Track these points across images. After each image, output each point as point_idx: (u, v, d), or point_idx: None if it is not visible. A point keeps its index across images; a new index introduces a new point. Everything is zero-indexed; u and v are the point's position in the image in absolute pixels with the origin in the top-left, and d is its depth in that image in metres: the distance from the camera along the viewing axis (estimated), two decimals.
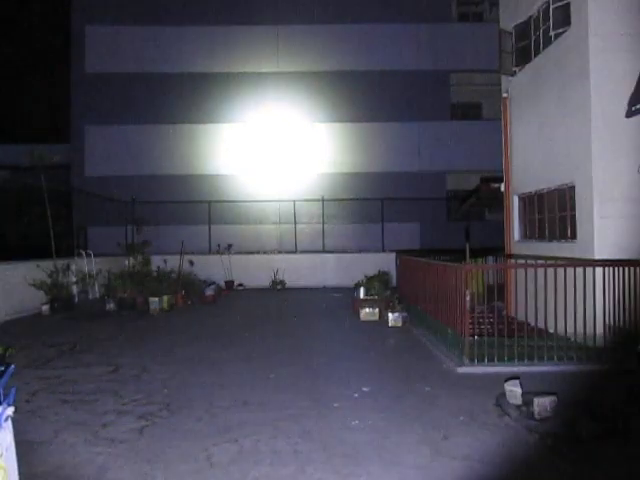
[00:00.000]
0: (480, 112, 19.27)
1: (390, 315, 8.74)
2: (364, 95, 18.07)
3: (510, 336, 5.91)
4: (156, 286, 11.29)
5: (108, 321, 9.62)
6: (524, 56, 9.75)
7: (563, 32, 8.31)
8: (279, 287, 15.03)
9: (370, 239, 17.13)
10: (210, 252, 15.91)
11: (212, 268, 14.47)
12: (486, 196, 12.17)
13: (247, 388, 5.20)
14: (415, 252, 11.58)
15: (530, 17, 9.43)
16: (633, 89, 6.97)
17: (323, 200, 17.30)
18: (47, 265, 10.37)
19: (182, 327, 9.19)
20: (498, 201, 11.07)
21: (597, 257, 7.08)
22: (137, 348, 7.16)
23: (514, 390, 4.34)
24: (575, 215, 7.88)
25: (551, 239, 8.75)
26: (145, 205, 16.00)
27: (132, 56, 18.08)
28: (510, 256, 10.00)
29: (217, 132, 18.21)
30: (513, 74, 10.12)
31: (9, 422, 2.13)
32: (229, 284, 14.87)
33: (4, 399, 2.14)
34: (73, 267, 11.49)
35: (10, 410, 2.10)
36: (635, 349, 4.15)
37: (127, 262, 13.39)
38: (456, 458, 3.54)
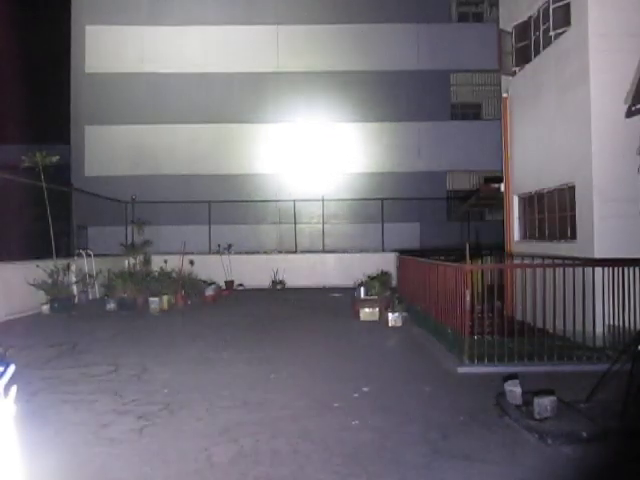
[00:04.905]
0: (480, 112, 19.26)
1: (390, 315, 8.74)
2: (363, 95, 18.06)
3: (510, 336, 5.91)
4: (156, 286, 11.29)
5: (108, 321, 9.61)
6: (524, 56, 9.75)
7: (563, 32, 8.31)
8: (279, 287, 15.03)
9: (370, 239, 17.14)
10: (210, 252, 15.91)
11: (212, 268, 14.45)
12: (486, 196, 12.19)
13: (247, 388, 5.20)
14: (416, 252, 11.58)
15: (530, 17, 9.43)
16: (634, 89, 6.97)
17: (323, 200, 17.30)
18: (47, 265, 10.36)
19: (182, 327, 9.19)
20: (498, 201, 11.08)
21: (597, 257, 7.09)
22: (137, 348, 7.15)
23: (514, 390, 4.33)
24: (575, 215, 7.88)
25: (551, 239, 8.75)
26: (145, 205, 16.00)
27: (132, 56, 18.06)
28: (510, 256, 10.00)
29: (217, 132, 18.20)
30: (513, 74, 10.12)
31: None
32: (229, 284, 14.87)
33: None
34: (73, 267, 11.48)
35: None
36: (635, 349, 4.14)
37: (127, 262, 13.38)
38: (456, 458, 3.54)
